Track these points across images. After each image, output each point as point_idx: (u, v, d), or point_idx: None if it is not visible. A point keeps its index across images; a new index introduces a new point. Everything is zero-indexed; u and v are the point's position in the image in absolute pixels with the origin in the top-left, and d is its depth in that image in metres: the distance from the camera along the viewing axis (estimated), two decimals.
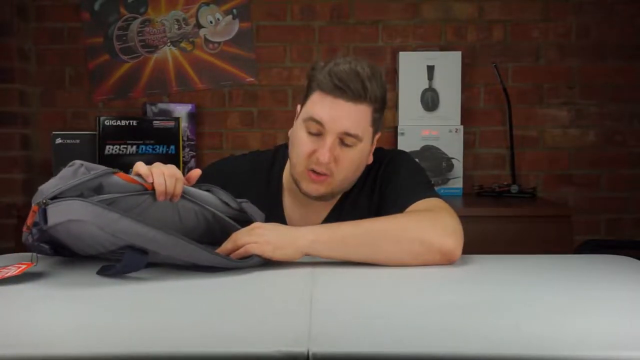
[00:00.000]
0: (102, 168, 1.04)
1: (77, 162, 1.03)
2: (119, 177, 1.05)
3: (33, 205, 1.01)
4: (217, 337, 0.77)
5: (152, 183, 1.07)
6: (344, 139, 1.27)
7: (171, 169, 1.10)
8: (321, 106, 1.26)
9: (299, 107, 1.35)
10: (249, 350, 0.72)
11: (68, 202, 0.97)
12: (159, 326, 0.82)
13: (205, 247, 1.07)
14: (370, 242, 1.15)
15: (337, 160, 1.28)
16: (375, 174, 1.38)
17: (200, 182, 1.25)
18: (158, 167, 1.10)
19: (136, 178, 1.07)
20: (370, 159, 1.37)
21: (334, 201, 1.39)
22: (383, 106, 1.33)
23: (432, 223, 1.17)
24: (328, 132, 1.26)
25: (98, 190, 1.03)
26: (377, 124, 1.33)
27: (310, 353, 0.70)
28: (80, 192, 1.00)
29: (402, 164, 1.38)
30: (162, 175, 1.07)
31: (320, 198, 1.33)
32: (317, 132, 1.27)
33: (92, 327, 0.81)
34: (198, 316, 0.86)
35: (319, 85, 1.28)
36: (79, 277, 1.05)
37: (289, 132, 1.36)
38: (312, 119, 1.27)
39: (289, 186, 1.40)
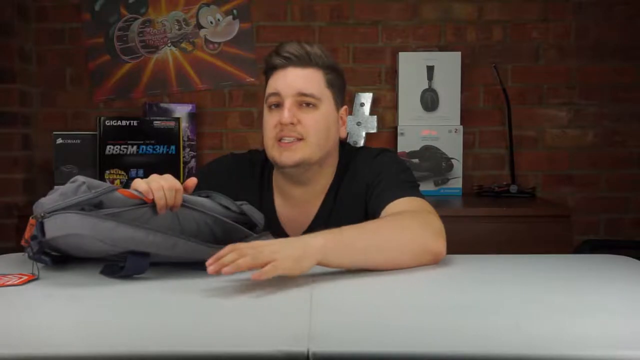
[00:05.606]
0: (104, 186, 1.04)
1: (80, 178, 1.04)
2: (119, 194, 1.05)
3: (30, 218, 1.01)
4: (217, 337, 0.77)
5: (153, 199, 1.07)
6: (302, 100, 1.33)
7: (169, 181, 1.10)
8: (274, 80, 1.36)
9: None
10: (249, 350, 0.72)
11: (64, 215, 0.97)
12: (159, 326, 0.82)
13: (205, 243, 1.07)
14: (377, 248, 1.13)
15: (301, 122, 1.32)
16: (362, 172, 1.39)
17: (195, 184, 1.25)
18: (156, 181, 1.09)
19: (136, 193, 1.07)
20: (344, 133, 1.42)
21: (321, 197, 1.40)
22: (337, 75, 1.39)
23: (425, 226, 1.20)
24: (285, 98, 1.33)
25: (99, 205, 1.03)
26: (334, 89, 1.38)
27: (310, 353, 0.71)
28: (81, 207, 1.00)
29: (388, 162, 1.39)
30: (162, 190, 1.08)
31: (297, 166, 1.33)
32: (277, 102, 1.34)
33: (92, 327, 0.81)
34: (198, 316, 0.86)
35: (269, 67, 1.38)
36: (79, 277, 1.06)
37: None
38: (270, 95, 1.36)
39: (277, 184, 1.43)
